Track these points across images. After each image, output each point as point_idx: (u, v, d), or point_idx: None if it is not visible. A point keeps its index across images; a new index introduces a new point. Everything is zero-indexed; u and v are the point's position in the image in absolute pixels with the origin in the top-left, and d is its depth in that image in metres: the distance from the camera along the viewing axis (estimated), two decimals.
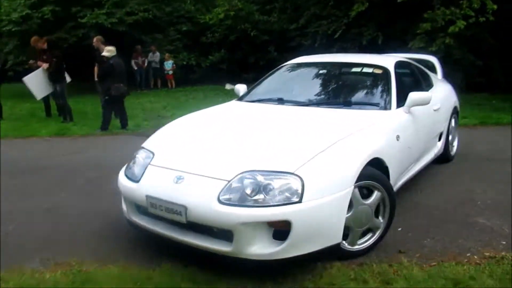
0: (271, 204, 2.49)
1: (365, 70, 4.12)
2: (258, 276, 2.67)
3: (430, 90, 4.53)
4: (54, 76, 8.69)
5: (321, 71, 4.36)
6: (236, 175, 2.62)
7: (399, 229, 3.31)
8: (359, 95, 3.92)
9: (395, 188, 3.38)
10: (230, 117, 3.86)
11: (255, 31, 14.80)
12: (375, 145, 3.04)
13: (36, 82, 8.75)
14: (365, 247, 2.92)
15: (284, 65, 4.66)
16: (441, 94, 4.82)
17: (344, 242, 2.78)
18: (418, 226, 3.37)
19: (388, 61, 4.16)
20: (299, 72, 4.56)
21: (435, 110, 4.32)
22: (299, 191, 2.50)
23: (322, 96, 3.99)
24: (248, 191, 2.55)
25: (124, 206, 3.18)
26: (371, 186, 2.86)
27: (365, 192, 2.85)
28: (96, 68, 8.91)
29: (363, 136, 3.06)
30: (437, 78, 5.34)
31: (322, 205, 2.54)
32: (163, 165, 2.99)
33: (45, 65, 8.64)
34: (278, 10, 14.46)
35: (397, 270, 2.69)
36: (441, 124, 4.65)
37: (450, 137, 5.01)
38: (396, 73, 3.92)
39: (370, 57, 4.78)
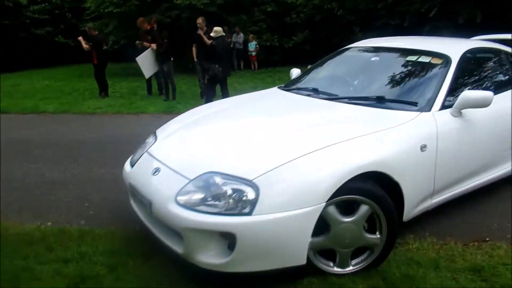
0: (221, 212, 2.28)
1: (421, 59, 3.43)
2: None
3: None
4: (162, 56, 9.08)
5: (372, 59, 3.86)
6: (199, 175, 2.45)
7: None
8: (398, 91, 3.28)
9: (421, 208, 2.92)
10: (247, 108, 3.61)
11: (341, 10, 14.58)
12: (375, 155, 2.54)
13: (146, 62, 9.27)
14: (361, 267, 2.56)
15: (340, 50, 4.27)
16: None
17: (331, 264, 2.52)
18: None
19: (457, 47, 3.50)
20: (350, 59, 4.12)
21: None
22: (253, 202, 2.24)
23: (358, 90, 3.53)
24: (206, 194, 2.35)
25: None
26: (357, 200, 2.46)
27: (355, 207, 2.49)
28: (194, 49, 9.27)
29: (361, 144, 2.57)
30: None
31: (277, 221, 2.23)
32: (153, 153, 2.92)
33: (154, 46, 9.09)
34: None
35: None
36: None
37: None
38: (461, 63, 3.28)
39: (438, 42, 4.15)
